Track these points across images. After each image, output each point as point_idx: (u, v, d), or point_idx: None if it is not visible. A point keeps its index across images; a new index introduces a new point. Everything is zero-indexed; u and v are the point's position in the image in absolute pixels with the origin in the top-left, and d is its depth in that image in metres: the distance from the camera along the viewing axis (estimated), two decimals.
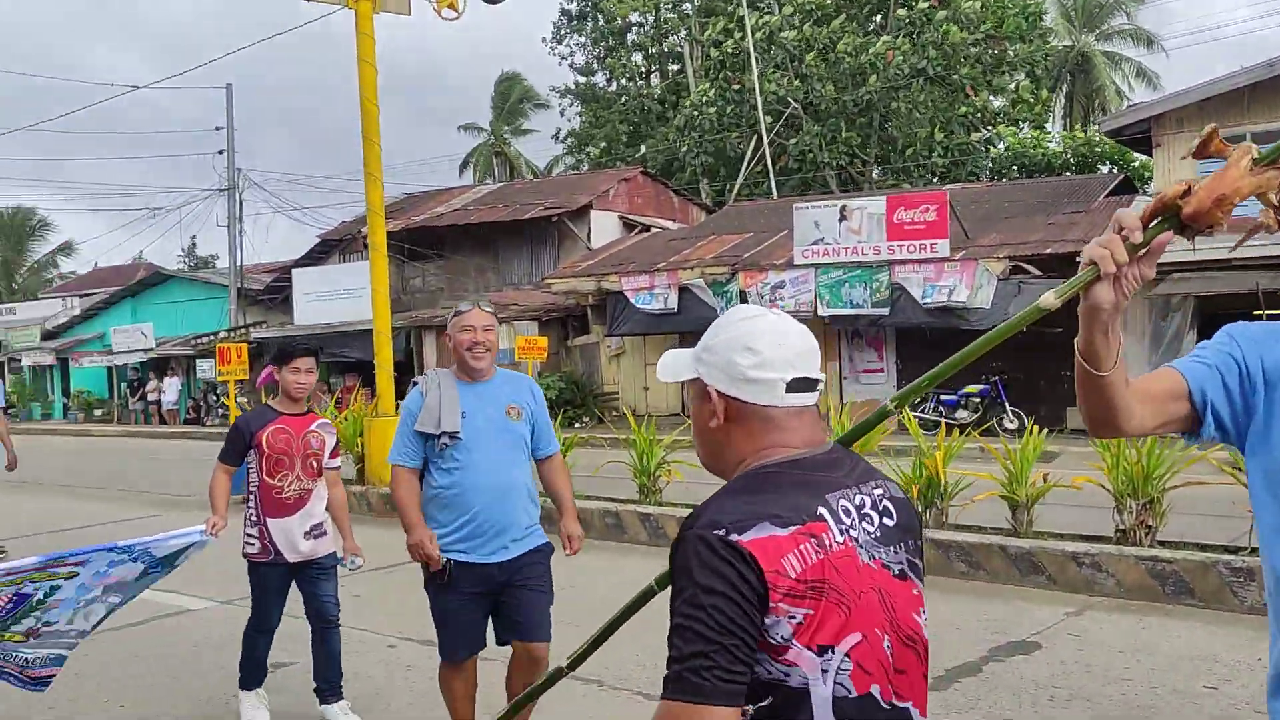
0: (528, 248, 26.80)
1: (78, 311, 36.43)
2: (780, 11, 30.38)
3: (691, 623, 1.52)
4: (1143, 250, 1.61)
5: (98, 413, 33.67)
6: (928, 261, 17.57)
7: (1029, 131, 31.44)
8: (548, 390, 22.42)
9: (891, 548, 1.67)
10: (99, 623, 4.10)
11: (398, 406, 18.79)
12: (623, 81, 38.14)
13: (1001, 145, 31.27)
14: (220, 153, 30.90)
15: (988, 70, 29.69)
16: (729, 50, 30.40)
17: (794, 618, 1.51)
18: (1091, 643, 5.83)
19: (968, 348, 1.82)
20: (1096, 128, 27.47)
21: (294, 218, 75.48)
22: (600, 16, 37.52)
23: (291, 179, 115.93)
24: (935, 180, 29.73)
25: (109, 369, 33.43)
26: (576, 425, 21.01)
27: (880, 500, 1.70)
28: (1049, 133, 32.20)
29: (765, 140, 28.58)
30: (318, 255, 30.48)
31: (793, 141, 30.79)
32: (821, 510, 1.59)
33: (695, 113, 31.50)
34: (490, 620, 4.16)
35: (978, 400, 17.58)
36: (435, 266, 28.23)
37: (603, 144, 37.70)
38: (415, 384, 4.07)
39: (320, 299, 27.70)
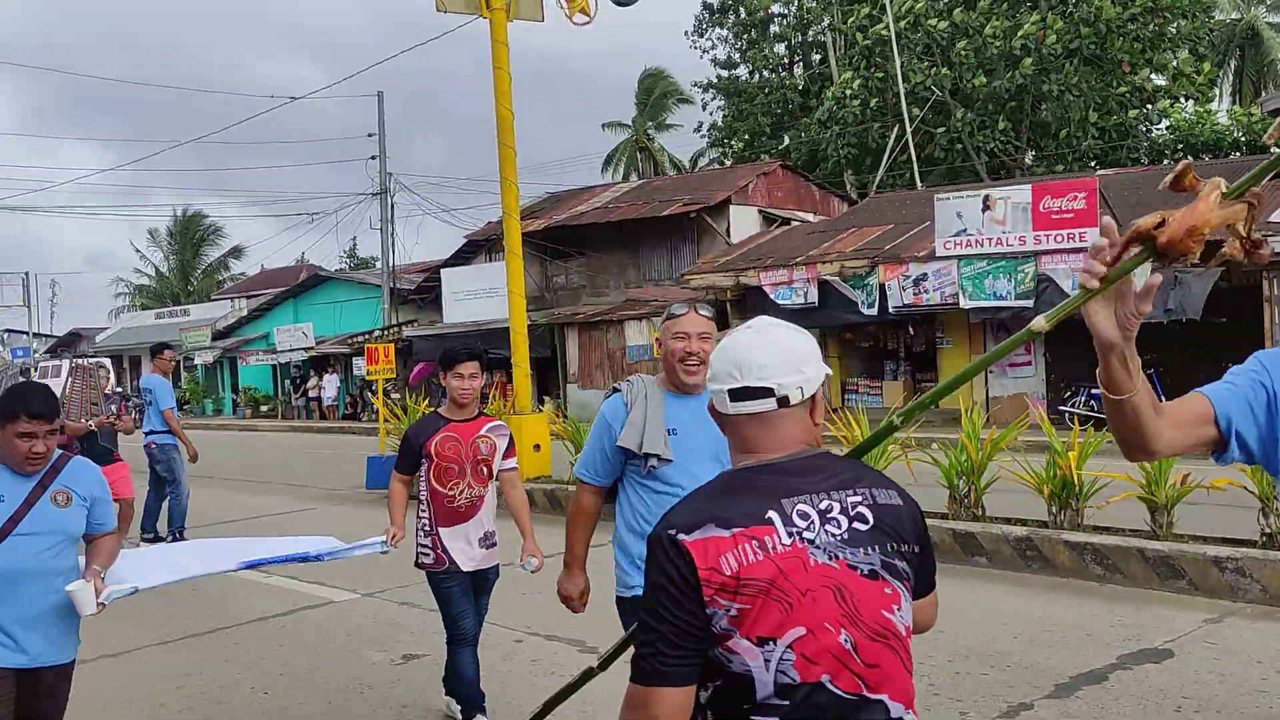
0: (667, 244, 26.97)
1: (245, 312, 38.44)
2: None
3: (645, 614, 1.74)
4: (1113, 283, 1.73)
5: (263, 408, 35.52)
6: (1077, 251, 16.92)
7: (1193, 109, 29.86)
8: None
9: (862, 549, 1.77)
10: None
11: (542, 401, 19.06)
12: (765, 73, 37.91)
13: (1164, 124, 29.78)
14: (373, 158, 32.12)
15: (1146, 46, 28.33)
16: (880, 34, 29.77)
17: (730, 611, 1.68)
18: (1229, 651, 5.60)
19: (965, 369, 1.95)
20: (1259, 107, 25.92)
21: (443, 219, 77.64)
22: (742, 9, 37.39)
23: (440, 181, 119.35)
24: (1093, 165, 28.55)
25: (273, 366, 35.21)
26: None
27: (854, 506, 1.80)
28: (1215, 110, 30.50)
29: (908, 129, 27.99)
30: (465, 255, 31.36)
31: (941, 130, 30.05)
32: (771, 514, 1.74)
33: (838, 105, 31.06)
34: None
35: None
36: (577, 264, 28.69)
37: (746, 137, 37.53)
38: (616, 390, 3.62)
39: (468, 298, 28.52)
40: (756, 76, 38.17)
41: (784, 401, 1.83)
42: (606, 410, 3.59)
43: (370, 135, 32.21)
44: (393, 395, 23.79)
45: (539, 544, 4.89)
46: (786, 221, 26.74)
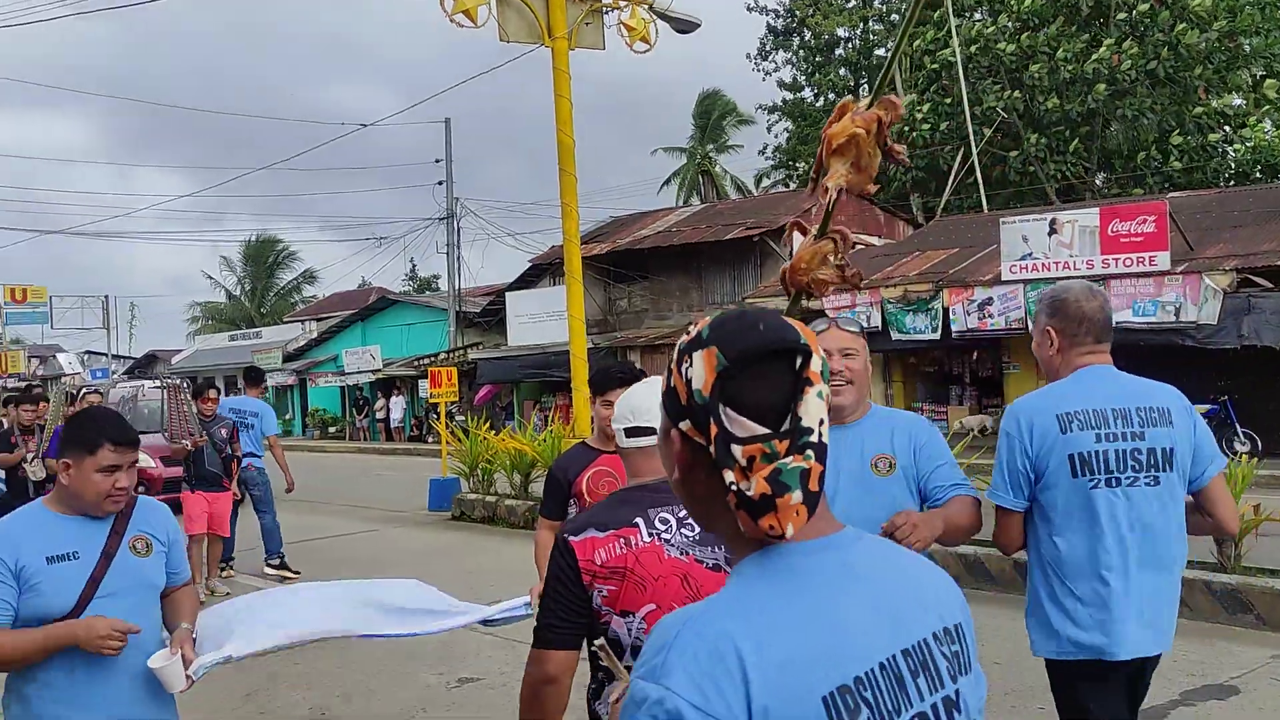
0: (730, 267, 26.97)
1: (314, 335, 39.13)
2: (996, 23, 29.37)
3: (545, 596, 2.29)
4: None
5: (331, 430, 36.06)
6: (1146, 275, 16.62)
7: (1274, 131, 29.13)
8: None
9: (709, 548, 2.29)
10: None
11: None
12: (830, 96, 37.81)
13: (1245, 145, 29.08)
14: (440, 183, 32.59)
15: (1220, 69, 27.75)
16: (947, 59, 29.53)
17: (602, 592, 2.23)
18: None
19: None
20: None
21: (507, 243, 78.53)
22: (807, 31, 37.38)
23: (505, 205, 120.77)
24: (1168, 187, 28.00)
25: (341, 388, 35.78)
26: None
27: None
28: None
29: (974, 151, 27.69)
30: (529, 279, 31.65)
31: (1013, 154, 29.65)
32: (637, 520, 2.28)
33: (906, 128, 30.80)
34: None
35: (1205, 421, 16.47)
36: (640, 288, 28.80)
37: (811, 159, 37.43)
38: None
39: (532, 321, 28.77)
40: (821, 100, 38.09)
41: None
42: None
43: (438, 161, 32.72)
44: (456, 417, 24.07)
45: None
46: (851, 245, 26.60)
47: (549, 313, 27.49)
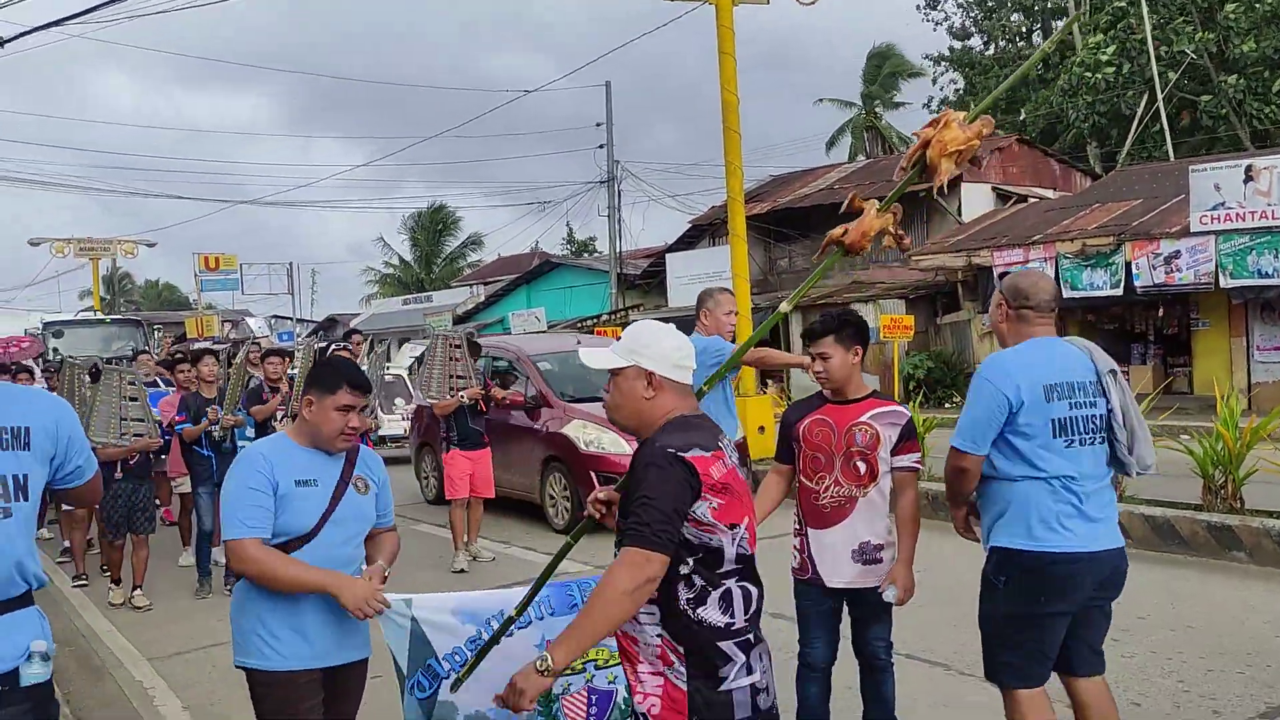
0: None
1: (482, 298, 40.11)
2: None
3: (652, 502, 2.41)
4: (829, 267, 2.99)
5: None
6: None
7: None
8: (915, 370, 21.95)
9: (743, 470, 2.69)
10: None
11: (765, 384, 18.86)
12: (1001, 44, 36.25)
13: None
14: (600, 147, 32.79)
15: None
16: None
17: (712, 504, 2.47)
18: None
19: (750, 337, 2.87)
20: None
21: (667, 204, 78.59)
22: None
23: (665, 167, 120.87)
24: None
25: None
26: (946, 405, 20.46)
27: (729, 441, 2.66)
28: None
29: (1159, 95, 26.11)
30: (689, 240, 31.62)
31: (1207, 98, 27.78)
32: (720, 443, 2.58)
33: (1087, 73, 29.20)
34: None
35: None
36: (801, 246, 28.43)
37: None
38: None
39: (691, 281, 28.73)
40: (992, 47, 36.57)
41: None
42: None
43: (599, 124, 32.88)
44: None
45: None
46: (1023, 199, 25.58)
47: (709, 273, 27.41)
